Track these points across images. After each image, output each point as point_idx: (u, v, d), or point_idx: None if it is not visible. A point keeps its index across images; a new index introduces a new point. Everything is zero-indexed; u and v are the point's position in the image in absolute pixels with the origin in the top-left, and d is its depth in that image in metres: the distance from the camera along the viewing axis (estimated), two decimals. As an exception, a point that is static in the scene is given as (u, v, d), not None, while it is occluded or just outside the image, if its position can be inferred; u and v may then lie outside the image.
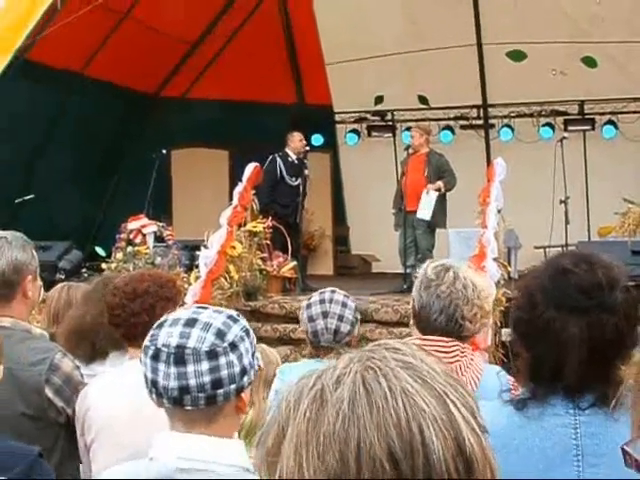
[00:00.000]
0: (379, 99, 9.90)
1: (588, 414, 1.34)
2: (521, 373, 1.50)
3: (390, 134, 10.13)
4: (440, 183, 7.58)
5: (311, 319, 2.44)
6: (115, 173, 10.40)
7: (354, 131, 10.29)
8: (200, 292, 6.64)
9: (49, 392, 2.12)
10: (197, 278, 6.85)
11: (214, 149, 10.32)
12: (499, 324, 6.34)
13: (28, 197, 8.24)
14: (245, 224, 7.43)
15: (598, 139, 9.35)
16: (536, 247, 7.28)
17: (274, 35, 10.21)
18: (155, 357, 1.37)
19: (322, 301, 2.45)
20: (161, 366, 1.36)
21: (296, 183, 8.11)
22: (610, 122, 9.29)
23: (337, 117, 10.46)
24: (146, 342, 1.41)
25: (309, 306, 2.48)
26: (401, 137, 9.67)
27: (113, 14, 8.69)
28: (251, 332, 1.44)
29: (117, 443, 2.04)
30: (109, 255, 7.73)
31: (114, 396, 2.11)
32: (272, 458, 0.63)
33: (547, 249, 7.14)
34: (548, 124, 9.47)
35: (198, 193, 9.97)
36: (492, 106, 9.71)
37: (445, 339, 1.96)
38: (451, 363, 1.94)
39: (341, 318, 2.42)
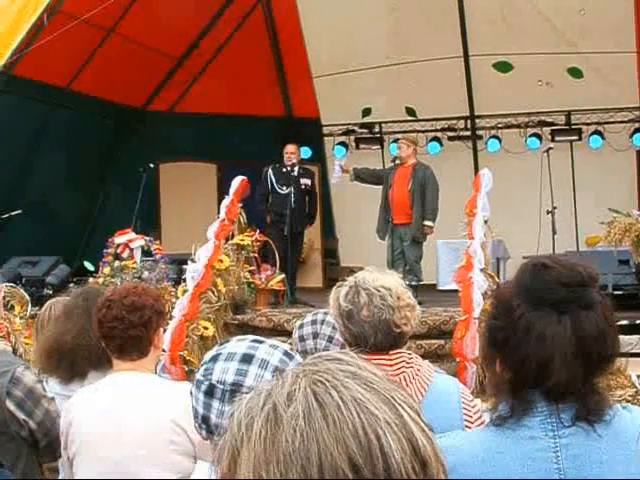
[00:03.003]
0: (366, 111, 9.97)
1: (568, 435, 1.29)
2: (493, 390, 1.43)
3: (378, 146, 10.19)
4: (428, 227, 7.66)
5: (302, 339, 2.48)
6: (103, 187, 10.33)
7: (342, 143, 10.35)
8: (188, 306, 6.62)
9: (10, 405, 2.09)
10: (185, 292, 6.82)
11: (202, 162, 10.33)
12: None
13: (15, 212, 8.21)
14: (232, 237, 7.40)
15: (585, 149, 9.41)
16: (525, 257, 7.30)
17: (261, 49, 10.21)
18: (209, 393, 1.34)
19: (314, 322, 2.49)
20: (215, 403, 1.33)
21: (286, 192, 8.10)
22: (597, 132, 9.36)
23: (325, 130, 10.51)
24: (198, 376, 1.37)
25: (301, 326, 2.52)
26: (389, 149, 9.72)
27: (99, 29, 8.71)
28: None
29: (98, 457, 2.05)
30: (97, 270, 7.71)
31: (96, 410, 2.10)
32: (230, 476, 0.64)
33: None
34: (535, 135, 9.53)
35: (186, 207, 9.97)
36: (479, 117, 9.78)
37: (387, 355, 1.95)
38: (395, 375, 1.93)
39: (331, 340, 2.43)
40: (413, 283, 7.28)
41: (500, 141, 9.63)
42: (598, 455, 1.27)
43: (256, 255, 7.81)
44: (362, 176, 8.16)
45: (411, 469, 0.61)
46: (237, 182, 7.78)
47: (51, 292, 7.39)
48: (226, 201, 7.56)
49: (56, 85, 9.00)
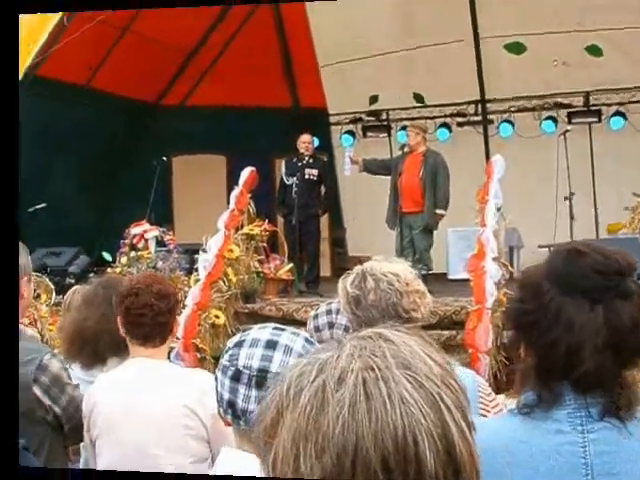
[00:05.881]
0: (374, 99, 8.75)
1: (597, 430, 1.11)
2: (519, 376, 1.20)
3: (385, 134, 8.97)
4: (439, 215, 6.64)
5: (317, 329, 2.25)
6: (120, 180, 9.65)
7: (349, 132, 9.16)
8: (200, 295, 6.15)
9: (37, 391, 1.99)
10: (197, 281, 6.37)
11: (212, 155, 9.58)
12: (500, 326, 5.40)
13: (40, 206, 7.74)
14: (242, 227, 6.83)
15: (605, 131, 7.95)
16: (540, 246, 6.12)
17: (269, 40, 9.32)
18: (235, 378, 1.23)
19: (329, 312, 2.25)
20: (241, 388, 1.23)
21: (290, 182, 7.37)
22: (618, 113, 7.90)
23: (332, 119, 9.33)
24: (224, 361, 1.26)
25: (316, 317, 2.29)
26: (396, 136, 8.53)
27: (114, 29, 8.20)
28: None
29: (118, 440, 1.98)
30: (114, 260, 7.34)
31: (115, 395, 2.02)
32: (268, 438, 0.60)
33: (552, 248, 5.89)
34: (550, 117, 8.13)
35: (198, 198, 9.22)
36: (490, 101, 8.44)
37: None
38: None
39: (347, 329, 2.14)
40: (422, 272, 6.25)
41: (513, 125, 8.29)
42: (628, 453, 1.10)
43: (265, 245, 7.14)
44: (370, 167, 7.13)
45: (442, 477, 0.57)
46: (246, 173, 7.20)
47: (73, 281, 6.97)
48: (235, 191, 6.91)
49: (76, 84, 8.54)
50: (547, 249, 6.31)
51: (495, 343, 5.34)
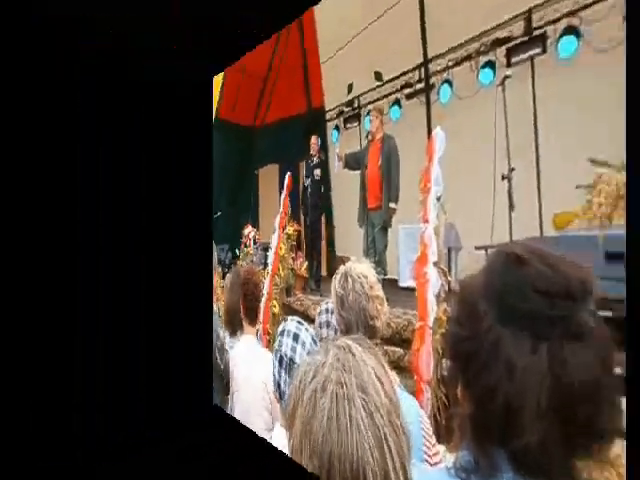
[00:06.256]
0: (350, 87, 5.75)
1: None
2: (458, 428, 0.58)
3: (356, 123, 5.87)
4: (392, 209, 4.05)
5: (320, 326, 1.74)
6: (241, 192, 9.27)
7: (336, 127, 6.36)
8: (268, 286, 5.40)
9: (216, 351, 1.96)
10: (267, 274, 5.61)
11: (272, 164, 8.24)
12: (440, 352, 2.99)
13: (218, 214, 8.02)
14: (285, 227, 5.66)
15: (552, 65, 3.34)
16: (477, 247, 3.10)
17: (297, 54, 7.24)
18: (280, 362, 1.09)
19: (327, 311, 1.69)
20: (282, 372, 1.08)
21: (307, 184, 5.77)
22: (569, 30, 3.10)
23: (327, 115, 6.63)
24: (276, 346, 1.12)
25: (320, 314, 1.77)
26: (364, 124, 5.45)
27: (237, 72, 7.70)
28: None
29: (241, 397, 1.91)
30: (239, 255, 7.24)
31: (240, 362, 1.96)
32: (290, 424, 0.53)
33: (489, 251, 2.81)
34: (488, 64, 3.88)
35: (269, 202, 8.09)
36: (432, 60, 4.50)
37: None
38: None
39: (336, 331, 1.60)
40: (381, 276, 3.95)
41: (452, 85, 4.29)
42: None
43: (295, 243, 5.85)
44: (349, 161, 4.72)
45: None
46: (286, 178, 5.88)
47: (227, 270, 7.24)
48: (282, 195, 5.75)
49: (227, 120, 8.28)
50: (484, 251, 3.24)
51: (435, 374, 2.99)
